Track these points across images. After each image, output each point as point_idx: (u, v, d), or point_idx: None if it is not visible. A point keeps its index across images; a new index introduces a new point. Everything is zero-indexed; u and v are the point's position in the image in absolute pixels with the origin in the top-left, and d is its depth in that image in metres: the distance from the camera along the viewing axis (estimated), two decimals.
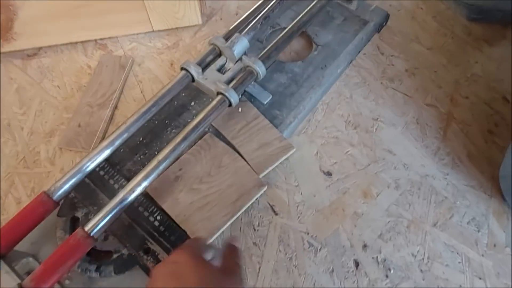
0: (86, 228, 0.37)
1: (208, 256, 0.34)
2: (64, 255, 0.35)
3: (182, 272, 0.30)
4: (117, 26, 0.64)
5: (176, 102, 0.55)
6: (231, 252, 0.35)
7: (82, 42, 0.66)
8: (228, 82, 0.47)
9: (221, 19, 0.69)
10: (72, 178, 0.40)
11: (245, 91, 0.55)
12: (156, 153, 0.51)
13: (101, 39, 0.66)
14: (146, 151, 0.52)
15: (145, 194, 0.47)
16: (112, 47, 0.65)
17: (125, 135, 0.43)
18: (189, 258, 0.31)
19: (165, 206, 0.45)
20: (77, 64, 0.64)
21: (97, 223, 0.37)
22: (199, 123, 0.43)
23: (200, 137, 0.51)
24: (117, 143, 0.42)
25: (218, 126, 0.51)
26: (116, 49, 0.65)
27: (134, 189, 0.39)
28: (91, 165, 0.42)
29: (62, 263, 0.35)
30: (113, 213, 0.38)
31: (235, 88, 0.45)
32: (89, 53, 0.65)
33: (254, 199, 0.48)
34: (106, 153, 0.42)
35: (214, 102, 0.44)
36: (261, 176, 0.49)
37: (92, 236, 0.37)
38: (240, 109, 0.52)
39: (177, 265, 0.30)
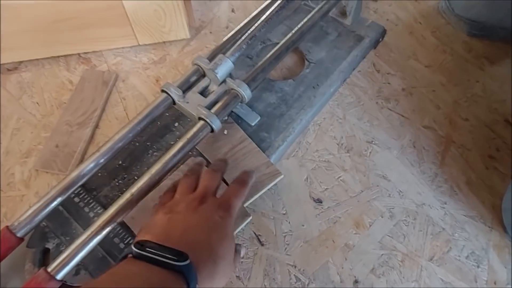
0: (50, 269, 0.34)
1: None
2: None
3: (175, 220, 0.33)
4: (101, 40, 0.61)
5: (159, 123, 0.52)
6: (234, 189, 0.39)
7: (64, 56, 0.63)
8: (211, 105, 0.44)
9: (210, 32, 0.66)
10: (38, 211, 0.37)
11: (232, 111, 0.52)
12: (135, 177, 0.48)
13: (85, 53, 0.63)
14: (125, 176, 0.49)
15: (121, 223, 0.44)
16: (96, 61, 0.63)
17: (97, 165, 0.40)
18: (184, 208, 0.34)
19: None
20: (58, 79, 0.61)
21: (63, 264, 0.34)
22: (178, 151, 0.40)
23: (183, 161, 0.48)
24: (88, 174, 0.39)
25: (202, 149, 0.48)
26: (100, 63, 0.63)
27: (105, 226, 0.36)
28: (59, 199, 0.39)
29: None
30: (82, 252, 0.35)
31: (217, 114, 0.42)
32: (72, 68, 0.62)
33: (239, 229, 0.45)
34: (77, 184, 0.39)
35: (195, 129, 0.41)
36: (245, 205, 0.46)
37: (56, 278, 0.34)
38: (226, 132, 0.49)
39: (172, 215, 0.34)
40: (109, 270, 0.28)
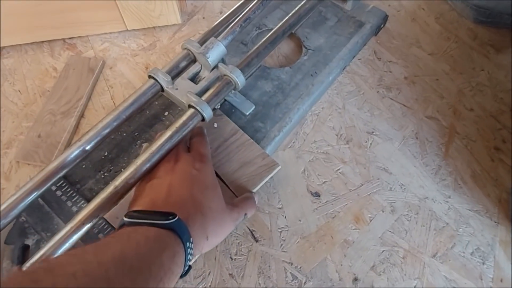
0: (25, 269, 0.31)
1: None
2: None
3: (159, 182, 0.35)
4: (87, 24, 0.58)
5: (148, 112, 0.49)
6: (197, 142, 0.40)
7: (49, 41, 0.60)
8: (202, 93, 0.41)
9: (203, 18, 0.63)
10: (15, 206, 0.34)
11: (225, 100, 0.50)
12: (122, 170, 0.45)
13: (70, 38, 0.60)
14: (111, 168, 0.46)
15: (105, 218, 0.42)
16: (82, 47, 0.59)
17: (80, 154, 0.37)
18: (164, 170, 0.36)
19: None
20: (42, 66, 0.57)
21: (47, 256, 0.32)
22: (166, 141, 0.37)
23: None
24: (69, 165, 0.37)
25: None
26: (86, 49, 0.59)
27: (86, 222, 0.33)
28: (38, 191, 0.36)
29: None
30: (61, 250, 0.33)
31: (209, 101, 0.39)
32: (56, 54, 0.59)
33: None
34: (58, 175, 0.36)
35: (184, 117, 0.38)
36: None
37: None
38: (216, 125, 0.46)
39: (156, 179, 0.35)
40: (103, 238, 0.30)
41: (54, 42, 0.60)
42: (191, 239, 0.31)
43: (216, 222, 0.34)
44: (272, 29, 0.47)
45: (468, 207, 0.46)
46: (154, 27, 0.61)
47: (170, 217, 0.30)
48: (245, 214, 0.39)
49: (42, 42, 0.60)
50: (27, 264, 0.32)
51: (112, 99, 0.54)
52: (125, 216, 0.31)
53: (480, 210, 0.46)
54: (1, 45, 0.58)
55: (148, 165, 0.37)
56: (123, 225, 0.31)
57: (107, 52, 0.59)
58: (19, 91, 0.55)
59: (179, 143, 0.39)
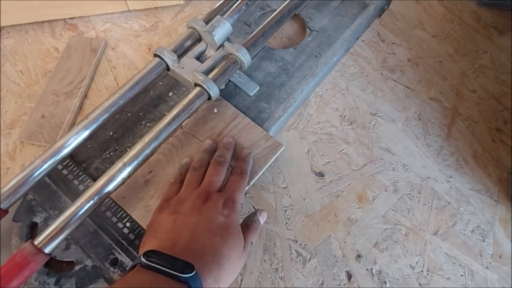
0: (37, 242, 0.32)
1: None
2: (7, 274, 0.30)
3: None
4: (88, 4, 0.57)
5: (152, 92, 0.49)
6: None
7: (49, 21, 0.59)
8: (208, 71, 0.41)
9: None
10: (23, 183, 0.35)
11: (229, 81, 0.49)
12: (128, 149, 0.45)
13: (71, 18, 0.59)
14: (117, 147, 0.46)
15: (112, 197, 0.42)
16: (83, 27, 0.59)
17: (87, 132, 0.37)
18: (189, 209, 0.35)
19: (134, 215, 0.40)
20: (43, 46, 0.57)
21: (51, 237, 0.32)
22: (173, 119, 0.37)
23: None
24: (77, 142, 0.37)
25: (194, 133, 0.45)
26: (88, 30, 0.58)
27: (94, 197, 0.34)
28: (46, 167, 0.36)
29: (5, 284, 0.30)
30: (71, 225, 0.33)
31: (215, 80, 0.39)
32: (57, 34, 0.58)
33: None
34: (64, 152, 0.37)
35: (190, 96, 0.38)
36: (251, 183, 0.43)
37: (44, 252, 0.32)
38: (216, 110, 0.46)
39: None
40: (121, 279, 0.30)
41: (55, 22, 0.59)
42: None
43: (230, 272, 0.34)
44: (275, 10, 0.47)
45: (469, 187, 0.47)
46: (156, 8, 0.60)
47: (188, 271, 0.29)
48: (252, 242, 0.38)
49: (43, 22, 0.59)
50: (39, 239, 0.32)
51: (115, 79, 0.54)
52: (144, 256, 0.30)
53: (481, 189, 0.47)
54: (1, 25, 0.57)
55: (155, 143, 0.37)
56: (139, 263, 0.30)
57: (109, 33, 0.58)
58: (20, 71, 0.55)
59: (220, 171, 0.39)
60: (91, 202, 0.33)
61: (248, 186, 0.43)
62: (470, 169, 0.48)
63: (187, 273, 0.29)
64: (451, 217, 0.45)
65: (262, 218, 0.40)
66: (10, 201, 0.34)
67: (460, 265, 0.42)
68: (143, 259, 0.30)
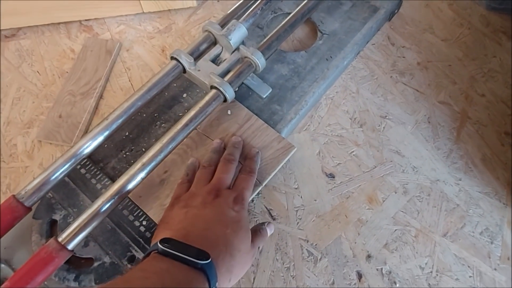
0: (60, 239, 0.33)
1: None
2: (33, 269, 0.31)
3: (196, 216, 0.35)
4: (103, 6, 0.58)
5: (166, 94, 0.50)
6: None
7: (65, 23, 0.60)
8: (223, 74, 0.42)
9: (218, 1, 0.63)
10: (45, 181, 0.36)
11: (242, 83, 0.50)
12: (143, 149, 0.47)
13: (86, 20, 0.60)
14: (133, 147, 0.47)
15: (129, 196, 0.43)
16: (98, 29, 0.60)
17: (107, 133, 0.38)
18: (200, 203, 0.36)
19: (150, 214, 0.41)
20: (59, 47, 0.58)
21: (74, 234, 0.33)
22: (190, 121, 0.38)
23: None
24: (97, 142, 0.38)
25: (208, 133, 0.46)
26: (103, 31, 0.60)
27: (115, 196, 0.35)
28: (69, 166, 0.37)
29: (30, 278, 0.31)
30: (93, 223, 0.34)
31: (231, 82, 0.40)
32: (73, 36, 0.59)
33: (248, 200, 0.44)
34: (85, 153, 0.38)
35: (207, 98, 0.39)
36: (264, 183, 0.44)
37: (67, 248, 0.33)
38: (229, 112, 0.47)
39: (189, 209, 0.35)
40: (138, 266, 0.30)
41: (71, 24, 0.60)
42: (217, 283, 0.31)
43: (241, 265, 0.34)
44: (287, 13, 0.48)
45: (478, 190, 0.47)
46: (169, 10, 0.61)
47: (204, 258, 0.30)
48: (259, 247, 0.39)
49: (59, 23, 0.60)
50: (63, 236, 0.33)
51: (129, 80, 0.55)
52: (160, 242, 0.30)
53: (490, 192, 0.47)
54: (18, 26, 0.59)
55: (173, 144, 0.38)
56: (155, 250, 0.31)
57: (123, 35, 0.59)
58: (37, 71, 0.56)
59: (230, 168, 0.40)
60: (112, 200, 0.34)
61: (261, 187, 0.44)
62: (479, 172, 0.49)
63: (202, 260, 0.30)
64: (460, 219, 0.46)
65: (269, 230, 0.41)
66: (33, 199, 0.35)
67: (468, 267, 0.43)
68: (160, 245, 0.30)
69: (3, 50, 0.58)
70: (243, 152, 0.45)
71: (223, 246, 0.33)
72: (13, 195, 0.35)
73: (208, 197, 0.37)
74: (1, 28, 0.58)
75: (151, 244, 0.34)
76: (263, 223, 0.41)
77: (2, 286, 0.31)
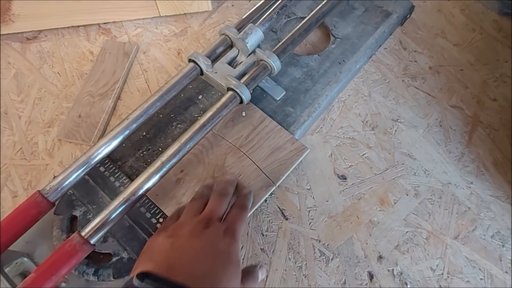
0: (83, 233, 0.34)
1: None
2: (58, 262, 0.33)
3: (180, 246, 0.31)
4: (121, 10, 0.60)
5: (182, 95, 0.52)
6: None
7: (84, 26, 0.62)
8: (240, 76, 0.43)
9: (232, 5, 0.65)
10: (69, 177, 0.37)
11: (257, 85, 0.52)
12: (160, 149, 0.48)
13: (105, 23, 0.62)
14: (150, 147, 0.48)
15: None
16: (116, 32, 0.62)
17: (127, 132, 0.40)
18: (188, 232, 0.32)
19: (167, 211, 0.42)
20: (79, 49, 0.60)
21: (96, 229, 0.35)
22: (207, 121, 0.39)
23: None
24: (117, 141, 0.39)
25: (223, 135, 0.48)
26: (121, 34, 0.61)
27: (135, 193, 0.36)
28: (90, 163, 0.38)
29: (55, 270, 0.32)
30: (113, 217, 0.35)
31: (247, 84, 0.41)
32: (92, 38, 0.61)
33: (262, 200, 0.45)
34: (106, 151, 0.39)
35: (224, 99, 0.41)
36: (277, 184, 0.45)
37: (90, 242, 0.34)
38: (244, 113, 0.48)
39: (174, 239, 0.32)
40: None
41: (90, 27, 0.62)
42: None
43: None
44: (301, 17, 0.49)
45: (489, 193, 0.48)
46: (185, 14, 0.63)
47: None
48: None
49: (78, 26, 0.62)
50: (86, 230, 0.35)
51: (146, 82, 0.57)
52: (137, 276, 0.28)
53: (501, 196, 0.48)
54: (40, 29, 0.61)
55: (191, 143, 0.39)
56: (131, 285, 0.28)
57: (140, 38, 0.61)
58: (58, 73, 0.58)
59: (222, 201, 0.37)
60: (133, 197, 0.36)
61: (274, 187, 0.45)
62: (490, 176, 0.49)
63: None
64: (472, 222, 0.46)
65: (261, 274, 0.37)
66: (57, 195, 0.37)
67: (480, 269, 0.43)
68: (135, 282, 0.27)
69: (25, 52, 0.60)
70: (236, 190, 0.42)
71: (209, 282, 0.30)
72: (38, 191, 0.37)
73: (197, 227, 0.33)
74: (23, 30, 0.60)
75: (130, 276, 0.30)
76: (255, 265, 0.37)
77: (28, 277, 0.32)
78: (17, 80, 0.57)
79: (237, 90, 0.41)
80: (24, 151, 0.51)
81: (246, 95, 0.41)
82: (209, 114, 0.40)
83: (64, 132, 0.52)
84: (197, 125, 0.39)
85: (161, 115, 0.50)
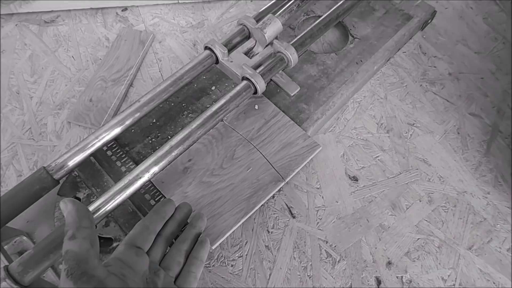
0: None
1: None
2: (57, 240, 0.31)
3: None
4: None
5: (195, 85, 0.51)
6: None
7: (102, 12, 0.62)
8: (256, 67, 0.42)
9: (251, 0, 0.64)
10: (75, 156, 0.36)
11: (271, 80, 0.51)
12: (169, 137, 0.47)
13: (123, 10, 0.62)
14: (159, 134, 0.48)
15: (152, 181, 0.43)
16: (133, 20, 0.61)
17: (138, 115, 0.39)
18: None
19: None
20: (95, 35, 0.60)
21: (97, 209, 0.34)
22: (220, 109, 0.39)
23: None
24: (128, 122, 0.38)
25: (234, 126, 0.47)
26: (137, 23, 0.61)
27: (142, 175, 0.35)
28: (97, 144, 0.38)
29: (54, 249, 0.31)
30: (116, 200, 0.34)
31: (262, 75, 0.40)
32: (109, 25, 0.61)
33: (270, 196, 0.44)
34: (115, 132, 0.38)
35: (238, 88, 0.40)
36: (286, 180, 0.44)
37: None
38: (257, 106, 0.47)
39: None
40: None
41: (107, 14, 0.62)
42: None
43: None
44: (319, 15, 0.48)
45: (507, 205, 0.46)
46: (203, 7, 0.62)
47: None
48: None
49: (96, 13, 0.62)
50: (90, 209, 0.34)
51: (160, 71, 0.56)
52: None
53: None
54: (56, 9, 0.61)
55: (201, 130, 0.38)
56: None
57: (157, 27, 0.61)
58: (72, 57, 0.58)
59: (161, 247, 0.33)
60: (141, 179, 0.35)
61: (283, 183, 0.44)
62: (508, 187, 0.47)
63: None
64: (487, 234, 0.44)
65: None
66: (62, 173, 0.36)
67: (493, 283, 0.41)
68: None
69: (42, 35, 0.60)
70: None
71: None
72: (44, 167, 0.36)
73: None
74: (41, 10, 0.60)
75: None
76: None
77: (26, 253, 0.31)
78: (31, 61, 0.57)
79: (252, 80, 0.40)
80: (33, 131, 0.51)
81: (261, 85, 0.40)
82: (222, 101, 0.39)
83: (74, 115, 0.51)
84: (209, 112, 0.38)
85: (172, 103, 0.50)
